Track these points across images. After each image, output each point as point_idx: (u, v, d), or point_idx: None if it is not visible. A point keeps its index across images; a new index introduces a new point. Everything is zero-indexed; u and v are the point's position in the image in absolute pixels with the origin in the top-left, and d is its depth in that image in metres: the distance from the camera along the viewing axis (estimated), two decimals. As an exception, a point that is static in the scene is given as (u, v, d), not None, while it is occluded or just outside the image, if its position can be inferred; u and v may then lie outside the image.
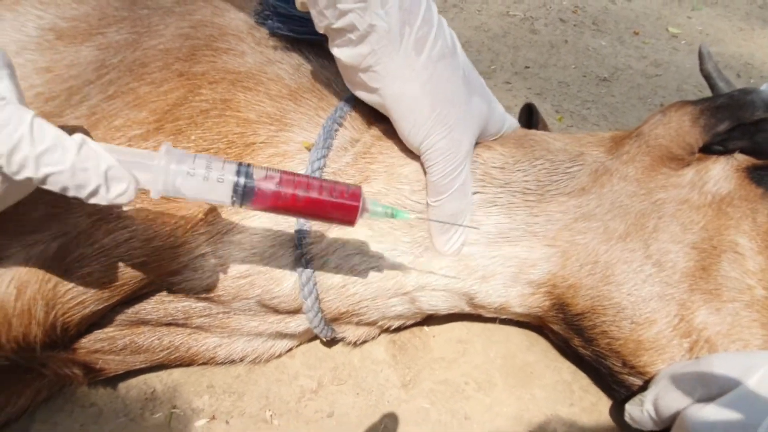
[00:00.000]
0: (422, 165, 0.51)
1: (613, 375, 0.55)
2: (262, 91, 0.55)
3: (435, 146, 0.48)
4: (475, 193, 0.53)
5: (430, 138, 0.47)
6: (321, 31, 0.47)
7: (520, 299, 0.56)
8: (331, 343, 0.62)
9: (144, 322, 0.54)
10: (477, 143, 0.55)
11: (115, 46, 0.61)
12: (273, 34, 0.58)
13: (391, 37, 0.43)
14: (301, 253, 0.51)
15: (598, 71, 1.12)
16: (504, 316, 0.60)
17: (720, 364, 0.46)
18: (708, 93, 0.62)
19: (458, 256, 0.52)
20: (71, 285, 0.44)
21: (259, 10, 0.61)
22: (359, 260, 0.52)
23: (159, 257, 0.47)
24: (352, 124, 0.55)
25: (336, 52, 0.47)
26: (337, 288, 0.53)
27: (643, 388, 0.52)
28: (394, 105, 0.47)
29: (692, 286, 0.50)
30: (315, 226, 0.51)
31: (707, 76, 0.61)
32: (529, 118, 0.78)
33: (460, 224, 0.51)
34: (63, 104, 0.56)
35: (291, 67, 0.59)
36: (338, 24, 0.43)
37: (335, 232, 0.52)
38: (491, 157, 0.55)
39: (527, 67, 1.12)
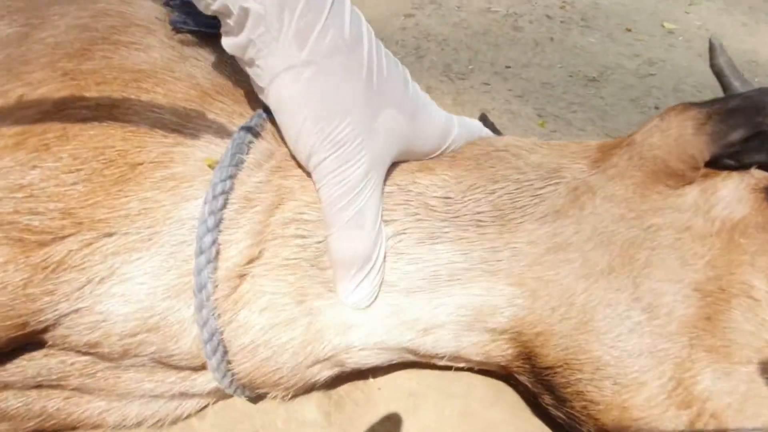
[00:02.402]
0: None
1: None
2: (162, 94, 0.44)
3: (320, 166, 0.38)
4: (405, 230, 0.42)
5: (316, 155, 0.38)
6: (209, 14, 0.37)
7: (477, 348, 0.45)
8: (251, 400, 0.51)
9: (7, 386, 0.43)
10: (414, 162, 0.45)
11: (5, 41, 0.51)
12: (177, 30, 0.47)
13: (268, 24, 0.35)
14: (201, 302, 0.40)
15: (586, 71, 1.01)
16: (460, 365, 0.49)
17: (731, 449, 0.35)
18: (718, 93, 0.51)
19: (389, 309, 0.42)
20: None
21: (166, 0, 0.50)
22: (268, 318, 0.41)
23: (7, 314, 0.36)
24: (273, 134, 0.45)
25: (223, 42, 0.38)
26: (248, 350, 0.42)
27: (632, 470, 0.41)
28: (277, 111, 0.39)
29: (693, 341, 0.40)
30: (221, 271, 0.40)
31: (718, 73, 0.50)
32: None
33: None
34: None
35: (210, 65, 0.49)
36: (215, 6, 0.35)
37: (248, 281, 0.41)
38: (431, 185, 0.44)
39: (508, 67, 1.02)
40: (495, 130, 0.74)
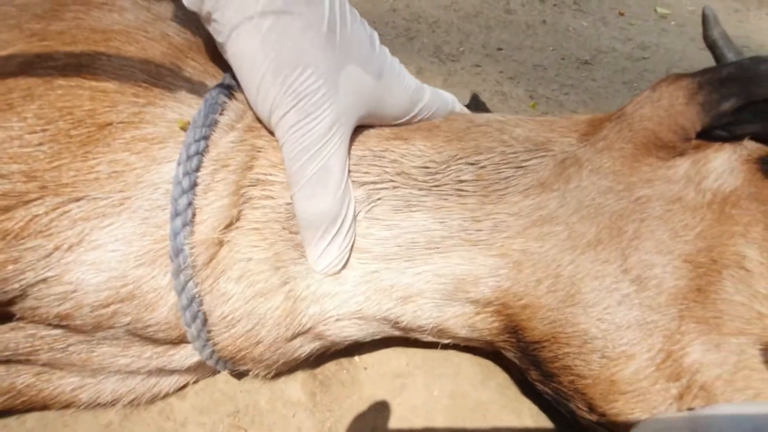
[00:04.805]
0: None
1: (577, 422, 0.43)
2: (134, 53, 0.43)
3: (282, 120, 0.37)
4: (378, 198, 0.41)
5: (278, 110, 0.36)
6: None
7: (461, 320, 0.44)
8: (235, 376, 0.50)
9: (-30, 360, 0.41)
10: (386, 129, 0.44)
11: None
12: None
13: None
14: (178, 267, 0.38)
15: (579, 54, 1.00)
16: (446, 340, 0.48)
17: (720, 422, 0.34)
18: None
19: (363, 276, 0.40)
20: None
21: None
22: (246, 286, 0.39)
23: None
24: (246, 94, 0.43)
25: None
26: (228, 319, 0.40)
27: (619, 444, 0.40)
28: (236, 68, 0.37)
29: (683, 313, 0.39)
30: (198, 235, 0.39)
31: (712, 45, 0.49)
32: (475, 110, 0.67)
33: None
34: None
35: (184, 25, 0.47)
36: None
37: (226, 246, 0.40)
38: (407, 154, 0.43)
39: (500, 49, 1.00)
40: (486, 111, 0.73)
